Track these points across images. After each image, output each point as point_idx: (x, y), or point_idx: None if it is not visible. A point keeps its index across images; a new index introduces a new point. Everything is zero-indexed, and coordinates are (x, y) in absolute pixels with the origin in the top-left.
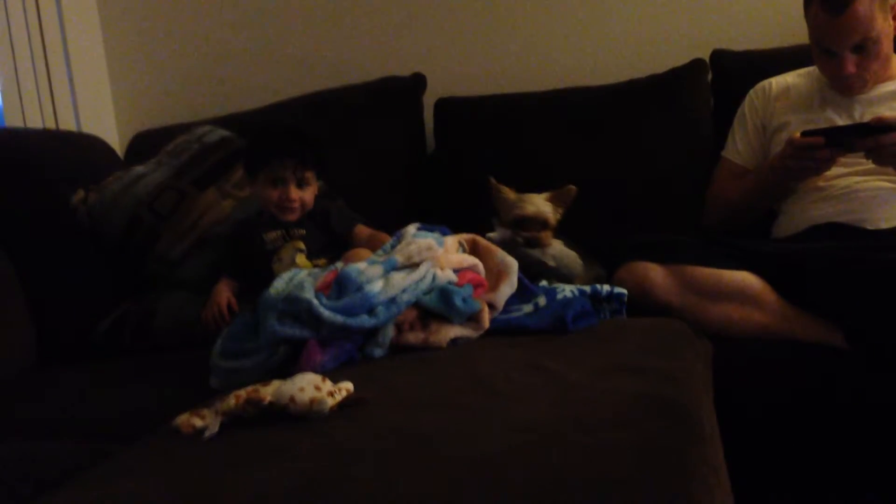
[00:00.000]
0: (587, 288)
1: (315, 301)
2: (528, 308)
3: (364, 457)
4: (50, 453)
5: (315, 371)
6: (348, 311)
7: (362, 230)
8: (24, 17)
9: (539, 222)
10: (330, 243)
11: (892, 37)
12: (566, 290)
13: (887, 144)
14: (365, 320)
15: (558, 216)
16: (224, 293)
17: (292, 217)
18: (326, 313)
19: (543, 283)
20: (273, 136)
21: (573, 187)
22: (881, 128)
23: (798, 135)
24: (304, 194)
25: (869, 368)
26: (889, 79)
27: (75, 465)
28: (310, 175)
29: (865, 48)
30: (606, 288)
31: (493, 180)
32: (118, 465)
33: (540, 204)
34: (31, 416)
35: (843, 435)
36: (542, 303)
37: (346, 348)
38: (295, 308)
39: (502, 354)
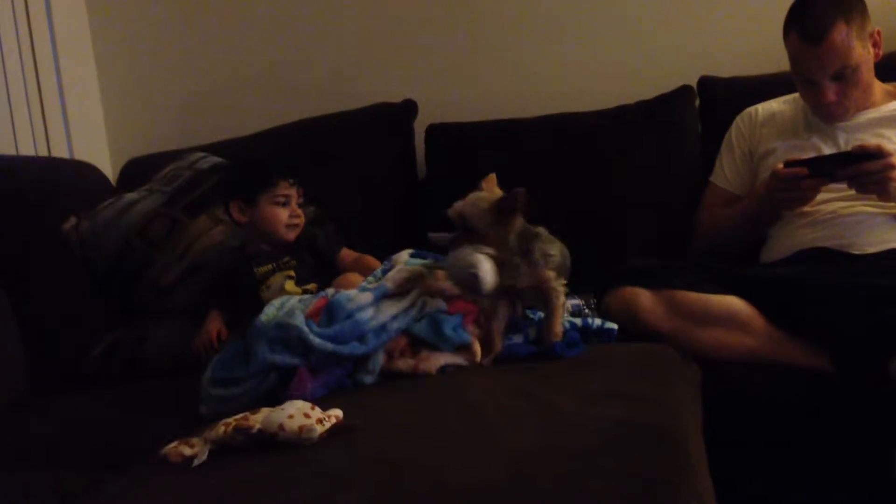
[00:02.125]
0: (577, 321)
1: (305, 328)
2: (517, 338)
3: (353, 484)
4: (40, 482)
5: (305, 398)
6: (338, 339)
7: (347, 254)
8: (17, 44)
9: (460, 224)
10: (318, 268)
11: (872, 64)
12: None
13: (870, 172)
14: (355, 347)
15: (495, 228)
16: (215, 322)
17: (295, 236)
18: (316, 340)
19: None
20: (267, 161)
21: (519, 190)
22: (863, 155)
23: (781, 166)
24: (301, 211)
25: (856, 393)
26: (871, 105)
27: (65, 495)
28: (301, 192)
29: (845, 76)
30: (597, 322)
31: (492, 176)
32: (107, 495)
33: (467, 206)
34: (21, 445)
35: (831, 459)
36: (533, 334)
37: (336, 375)
38: (285, 335)
39: (491, 381)
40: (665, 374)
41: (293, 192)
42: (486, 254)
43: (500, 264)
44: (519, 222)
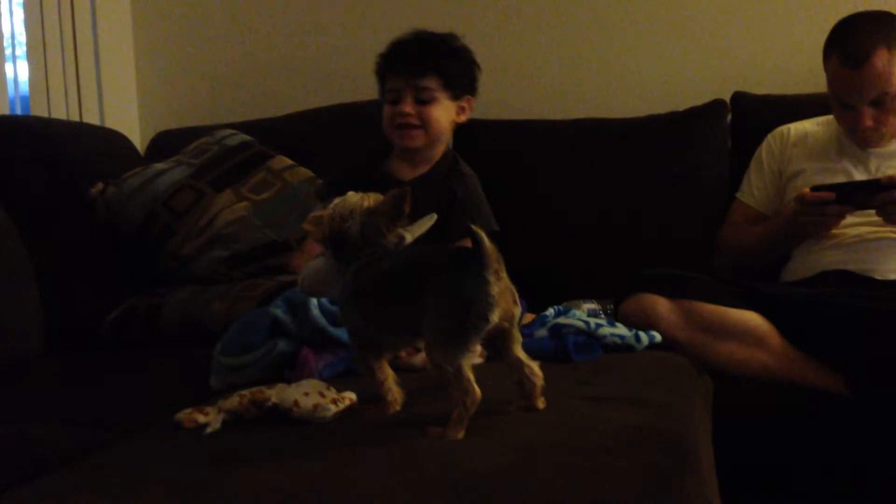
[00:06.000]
0: (630, 335)
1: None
2: (541, 331)
3: (362, 463)
4: (52, 438)
5: (311, 378)
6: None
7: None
8: (58, 10)
9: None
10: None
11: None
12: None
13: None
14: (343, 333)
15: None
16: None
17: (413, 142)
18: (315, 311)
19: (549, 311)
20: (392, 46)
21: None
22: (893, 185)
23: (808, 190)
24: (428, 110)
25: (868, 416)
26: None
27: (77, 451)
28: (432, 86)
29: (883, 103)
30: (644, 339)
31: None
32: (117, 454)
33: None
34: (35, 400)
35: (840, 480)
36: (542, 334)
37: (341, 356)
38: (296, 298)
39: (502, 379)
40: (678, 382)
41: (401, 84)
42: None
43: None
44: None
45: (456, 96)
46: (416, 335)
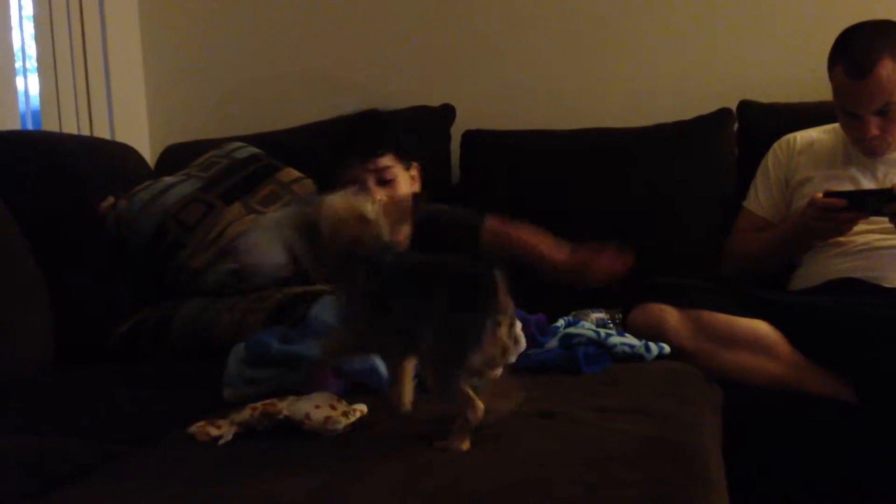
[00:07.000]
0: (642, 345)
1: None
2: (553, 341)
3: (372, 477)
4: (63, 451)
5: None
6: None
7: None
8: (68, 24)
9: None
10: None
11: None
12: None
13: None
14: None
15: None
16: None
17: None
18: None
19: (559, 322)
20: (334, 145)
21: None
22: None
23: (821, 195)
24: (392, 190)
25: (878, 424)
26: None
27: (88, 465)
28: (390, 164)
29: (889, 112)
30: (654, 349)
31: None
32: (130, 467)
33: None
34: (46, 414)
35: (849, 488)
36: (553, 344)
37: (356, 372)
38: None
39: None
40: (687, 392)
41: (361, 172)
42: None
43: None
44: None
45: (407, 167)
46: (413, 348)
